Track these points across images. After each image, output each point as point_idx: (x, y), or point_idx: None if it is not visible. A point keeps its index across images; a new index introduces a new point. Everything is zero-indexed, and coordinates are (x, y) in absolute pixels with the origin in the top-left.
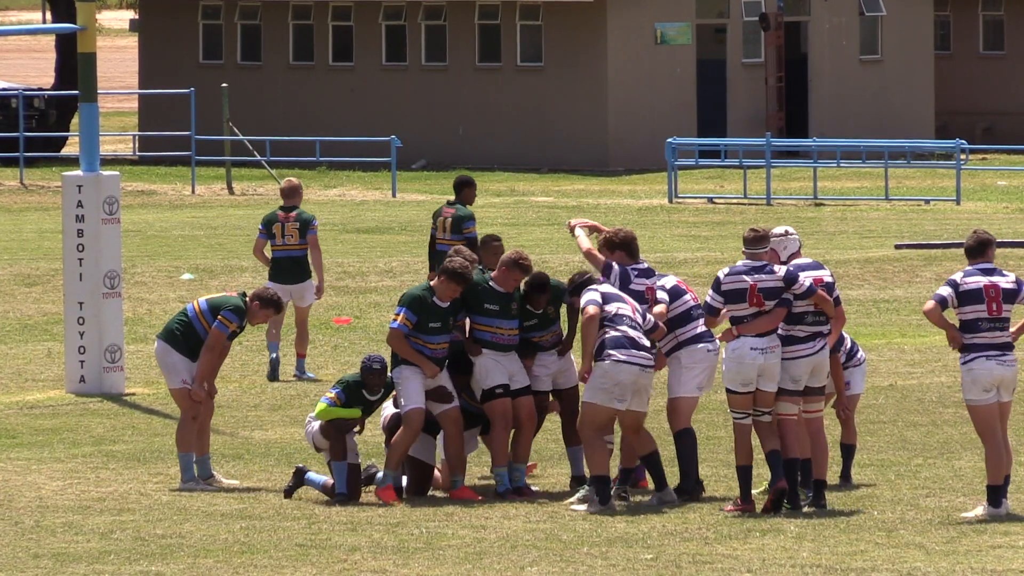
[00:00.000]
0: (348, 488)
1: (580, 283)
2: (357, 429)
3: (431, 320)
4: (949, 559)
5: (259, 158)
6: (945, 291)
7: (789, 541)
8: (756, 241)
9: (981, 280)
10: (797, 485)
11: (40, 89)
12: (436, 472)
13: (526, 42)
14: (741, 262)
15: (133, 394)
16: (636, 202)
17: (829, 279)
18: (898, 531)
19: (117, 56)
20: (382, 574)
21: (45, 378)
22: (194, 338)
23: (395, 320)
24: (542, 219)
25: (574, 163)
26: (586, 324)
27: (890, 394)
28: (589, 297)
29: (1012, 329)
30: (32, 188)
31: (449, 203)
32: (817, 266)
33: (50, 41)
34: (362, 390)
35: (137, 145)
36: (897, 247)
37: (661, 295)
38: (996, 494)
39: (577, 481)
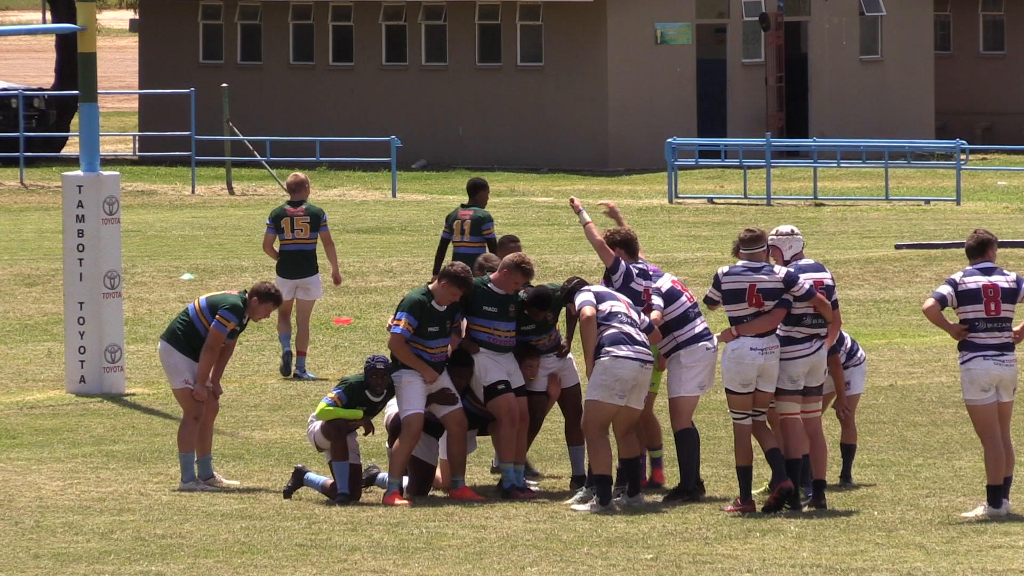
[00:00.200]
0: (349, 488)
1: (571, 288)
2: (363, 431)
3: (430, 324)
4: (949, 559)
5: (259, 158)
6: (945, 290)
7: (789, 541)
8: (753, 241)
9: (980, 280)
10: (798, 485)
11: (40, 89)
12: (436, 472)
13: (526, 42)
14: (740, 263)
15: (133, 394)
16: (636, 202)
17: (829, 282)
18: (898, 531)
19: (117, 56)
20: (382, 574)
21: (45, 378)
22: (196, 338)
23: (396, 325)
24: (542, 219)
25: (574, 163)
26: (584, 326)
27: (890, 394)
28: (583, 298)
29: (1016, 329)
30: (32, 188)
31: (464, 206)
32: (818, 268)
33: (50, 41)
34: (365, 391)
35: (137, 145)
36: (897, 247)
37: (656, 300)
38: (996, 494)
39: (577, 481)
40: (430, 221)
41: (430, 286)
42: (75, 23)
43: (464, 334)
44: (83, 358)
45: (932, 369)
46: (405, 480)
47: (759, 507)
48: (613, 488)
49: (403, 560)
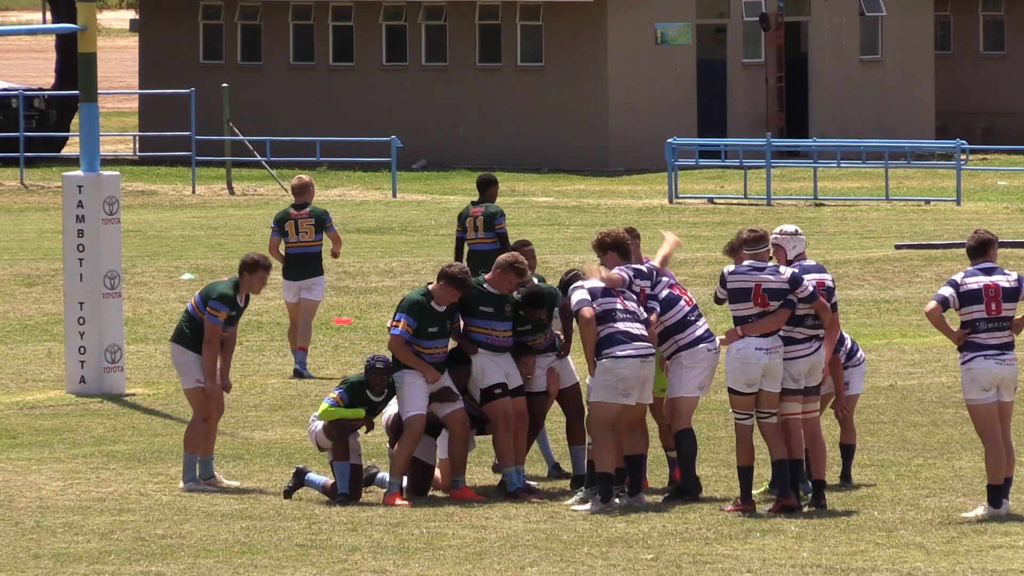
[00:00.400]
0: (349, 488)
1: (566, 281)
2: (365, 429)
3: (430, 325)
4: (949, 559)
5: (259, 158)
6: (946, 291)
7: (789, 541)
8: (757, 241)
9: (982, 280)
10: (799, 486)
11: (40, 89)
12: (436, 472)
13: (526, 42)
14: (746, 262)
15: (133, 394)
16: (636, 202)
17: (830, 283)
18: (898, 531)
19: (117, 56)
20: (382, 574)
21: (45, 378)
22: (201, 333)
23: (396, 326)
24: (542, 219)
25: (574, 163)
26: (584, 328)
27: (890, 394)
28: (579, 298)
29: (1016, 318)
30: (32, 188)
31: (474, 203)
32: (820, 269)
33: (50, 41)
34: (366, 390)
35: (137, 145)
36: (897, 247)
37: (652, 304)
38: (996, 494)
39: (578, 481)
40: (430, 221)
41: (429, 287)
42: (75, 23)
43: (462, 333)
44: (83, 358)
45: (932, 369)
46: (404, 480)
47: (758, 507)
48: (587, 490)
49: (403, 560)
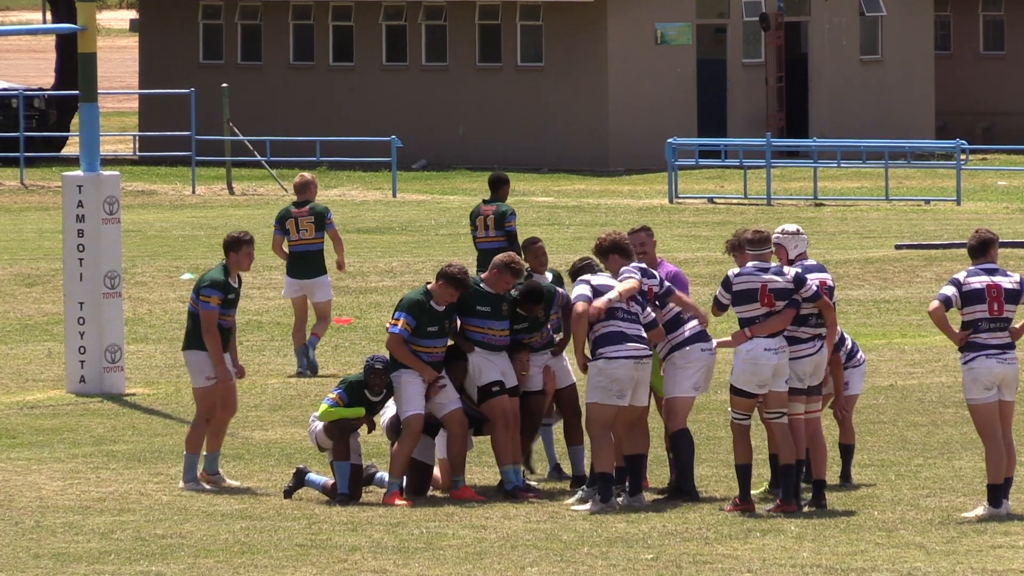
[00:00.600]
0: (349, 488)
1: (579, 268)
2: (367, 429)
3: (429, 324)
4: (949, 559)
5: (259, 158)
6: (949, 291)
7: (789, 541)
8: (761, 242)
9: (984, 280)
10: (800, 486)
11: (40, 89)
12: (435, 472)
13: (526, 42)
14: (751, 263)
15: (133, 394)
16: (636, 202)
17: (831, 283)
18: (898, 531)
19: (117, 56)
20: (382, 574)
21: (45, 378)
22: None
23: (395, 325)
24: (542, 219)
25: (574, 163)
26: (574, 322)
27: (890, 394)
28: (579, 291)
29: (1015, 326)
30: (32, 188)
31: (485, 201)
32: (820, 269)
33: (50, 41)
34: (364, 390)
35: (137, 145)
36: (897, 247)
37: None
38: (996, 494)
39: (578, 481)
40: (430, 221)
41: (428, 286)
42: (75, 23)
43: (459, 332)
44: (83, 358)
45: (932, 369)
46: (404, 480)
47: (758, 507)
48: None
49: (403, 560)
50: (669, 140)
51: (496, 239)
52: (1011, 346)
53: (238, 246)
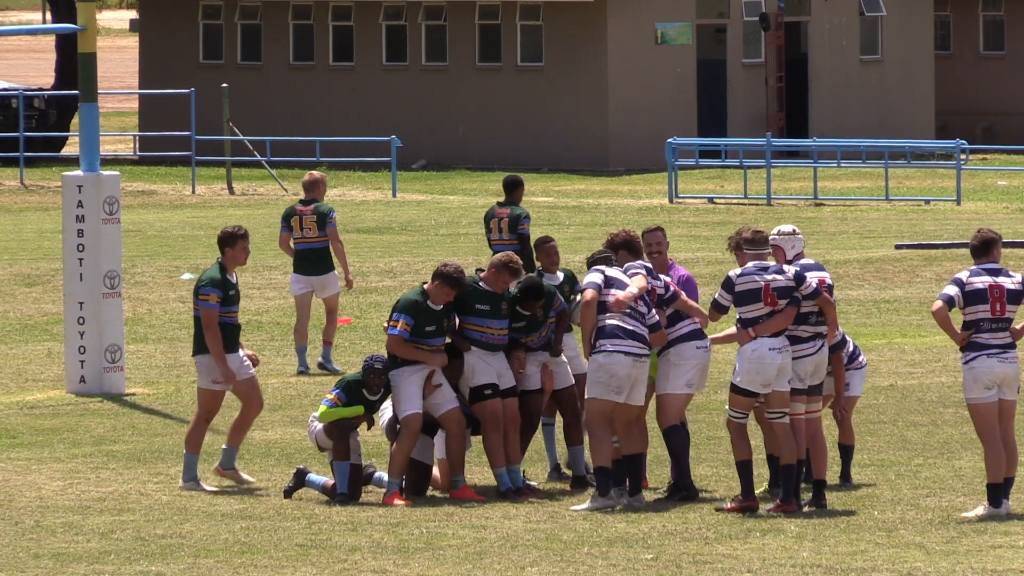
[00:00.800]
0: (349, 488)
1: (597, 259)
2: (366, 426)
3: (427, 324)
4: (949, 559)
5: (259, 158)
6: (952, 290)
7: (789, 541)
8: (760, 242)
9: (987, 280)
10: (800, 486)
11: (40, 89)
12: (434, 472)
13: (526, 42)
14: (751, 263)
15: (133, 394)
16: (636, 202)
17: (830, 281)
18: (898, 531)
19: (117, 56)
20: (382, 574)
21: (45, 378)
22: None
23: (394, 327)
24: (542, 219)
25: (574, 163)
26: (583, 310)
27: (890, 394)
28: (591, 279)
29: (1016, 327)
30: (32, 188)
31: (500, 204)
32: (818, 267)
33: (50, 41)
34: (362, 389)
35: (137, 145)
36: (897, 247)
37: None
38: (996, 493)
39: (577, 482)
40: (430, 221)
41: (425, 286)
42: (75, 23)
43: (457, 330)
44: (83, 358)
45: (932, 369)
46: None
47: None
48: (615, 490)
49: (403, 560)
50: (669, 140)
51: (510, 242)
52: (1012, 345)
53: (233, 240)
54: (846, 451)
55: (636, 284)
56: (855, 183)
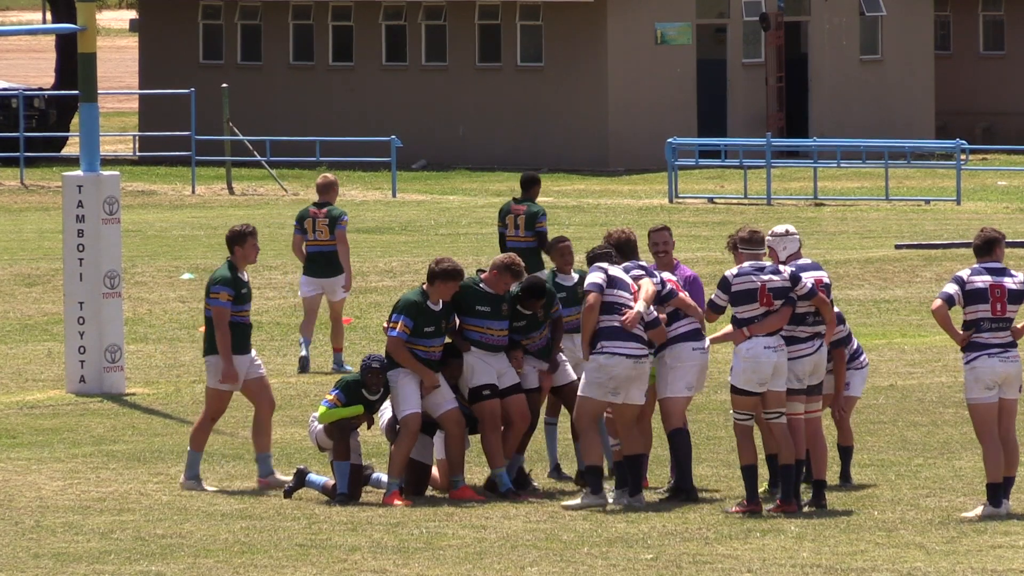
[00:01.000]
0: (349, 488)
1: (598, 254)
2: (366, 425)
3: (426, 325)
4: (949, 559)
5: (259, 158)
6: (952, 289)
7: (789, 541)
8: (756, 242)
9: (988, 280)
10: (800, 486)
11: (40, 89)
12: (434, 472)
13: (526, 42)
14: (747, 263)
15: (133, 394)
16: (636, 202)
17: (827, 280)
18: (898, 531)
19: (117, 56)
20: (382, 574)
21: (45, 378)
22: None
23: (393, 328)
24: None
25: (574, 163)
26: (585, 312)
27: (890, 394)
28: (593, 280)
29: (1017, 327)
30: (32, 188)
31: (516, 200)
32: (816, 267)
33: (50, 41)
34: (361, 389)
35: (137, 145)
36: (897, 247)
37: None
38: (995, 492)
39: (583, 474)
40: (430, 221)
41: (424, 287)
42: (75, 23)
43: (457, 330)
44: (83, 358)
45: (932, 369)
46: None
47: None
48: (616, 491)
49: (403, 560)
50: (669, 140)
51: (525, 239)
52: (1013, 344)
53: (243, 239)
54: (845, 452)
55: (645, 293)
56: (855, 183)
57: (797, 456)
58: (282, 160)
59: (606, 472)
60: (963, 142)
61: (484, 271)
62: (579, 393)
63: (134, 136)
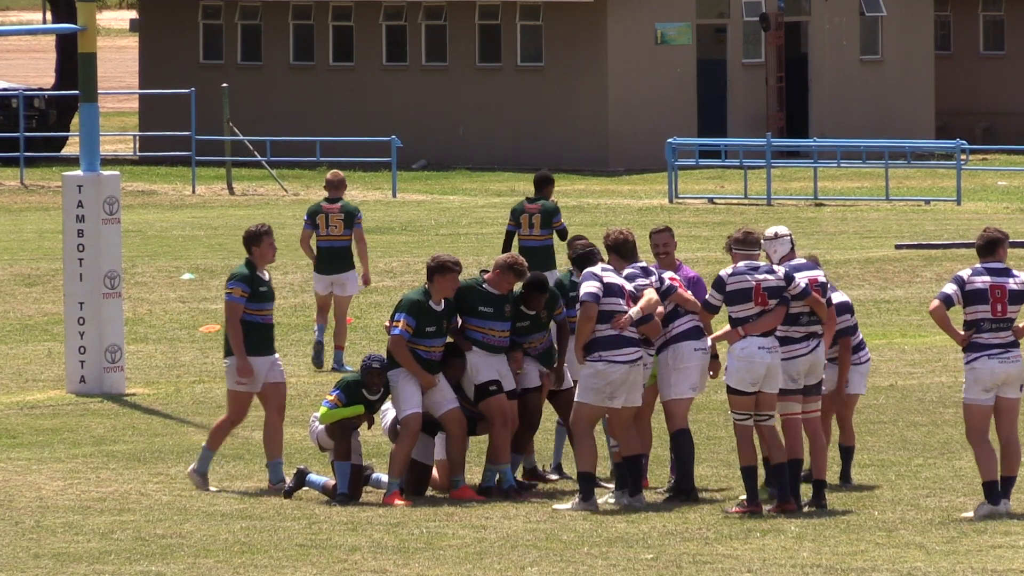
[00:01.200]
0: (349, 488)
1: (582, 254)
2: (367, 425)
3: (427, 325)
4: (949, 559)
5: (259, 158)
6: (950, 289)
7: (789, 541)
8: (750, 243)
9: (988, 280)
10: (799, 485)
11: (40, 89)
12: (434, 472)
13: (526, 42)
14: (742, 263)
15: (133, 394)
16: (636, 202)
17: (822, 279)
18: (898, 531)
19: (117, 56)
20: (382, 574)
21: (45, 378)
22: (242, 334)
23: (396, 327)
24: None
25: (574, 163)
26: (582, 322)
27: (890, 394)
28: (588, 290)
29: (1019, 325)
30: (32, 188)
31: (530, 199)
32: (810, 266)
33: (50, 41)
34: (362, 389)
35: (137, 145)
36: (897, 247)
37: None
38: (993, 491)
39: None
40: (430, 221)
41: (427, 286)
42: (75, 23)
43: (459, 331)
44: (83, 358)
45: (932, 369)
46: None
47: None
48: (616, 491)
49: (403, 560)
50: (669, 140)
51: (540, 237)
52: (1015, 344)
53: (259, 239)
54: (846, 452)
55: (644, 302)
56: (855, 183)
57: (795, 455)
58: (282, 160)
59: (608, 474)
60: (963, 142)
61: (487, 271)
62: (576, 399)
63: (134, 136)
